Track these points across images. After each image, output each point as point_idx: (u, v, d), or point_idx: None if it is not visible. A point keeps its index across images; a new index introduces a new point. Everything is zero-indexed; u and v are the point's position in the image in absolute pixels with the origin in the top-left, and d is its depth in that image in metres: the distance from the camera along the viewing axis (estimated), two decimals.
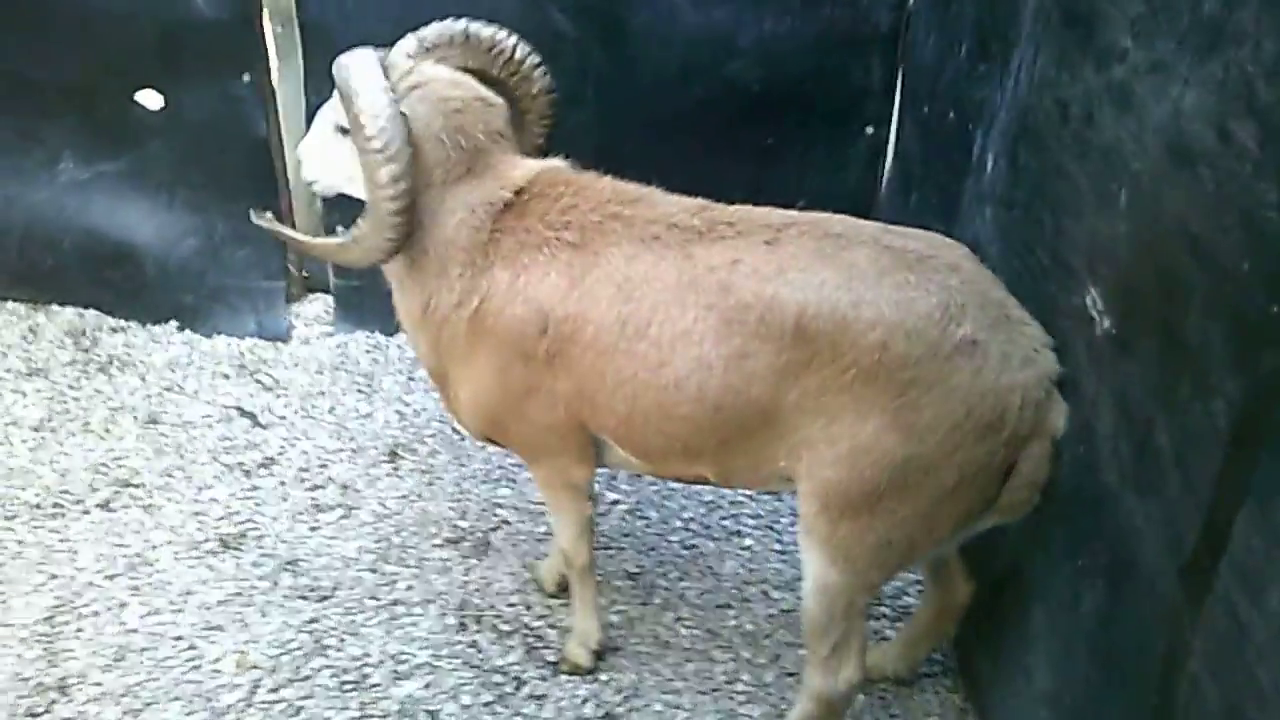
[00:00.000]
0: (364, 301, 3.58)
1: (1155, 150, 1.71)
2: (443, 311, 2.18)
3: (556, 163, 2.24)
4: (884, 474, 1.92)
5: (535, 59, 2.29)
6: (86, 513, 2.97)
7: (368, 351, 3.54)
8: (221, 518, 2.98)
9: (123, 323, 3.60)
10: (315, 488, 3.07)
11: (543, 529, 2.95)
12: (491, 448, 2.74)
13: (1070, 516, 2.02)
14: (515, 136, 2.25)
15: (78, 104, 3.42)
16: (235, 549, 2.89)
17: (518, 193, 2.14)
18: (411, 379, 3.44)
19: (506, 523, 2.99)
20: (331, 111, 2.24)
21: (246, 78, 3.36)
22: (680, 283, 2.01)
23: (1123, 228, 1.82)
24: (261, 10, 3.31)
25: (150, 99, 3.39)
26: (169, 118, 3.40)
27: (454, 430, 3.25)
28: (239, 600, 2.76)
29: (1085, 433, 1.93)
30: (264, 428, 3.26)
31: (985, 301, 1.93)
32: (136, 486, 3.05)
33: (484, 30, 2.22)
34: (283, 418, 3.29)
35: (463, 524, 2.98)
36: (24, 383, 3.36)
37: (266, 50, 3.38)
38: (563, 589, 2.73)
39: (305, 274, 3.70)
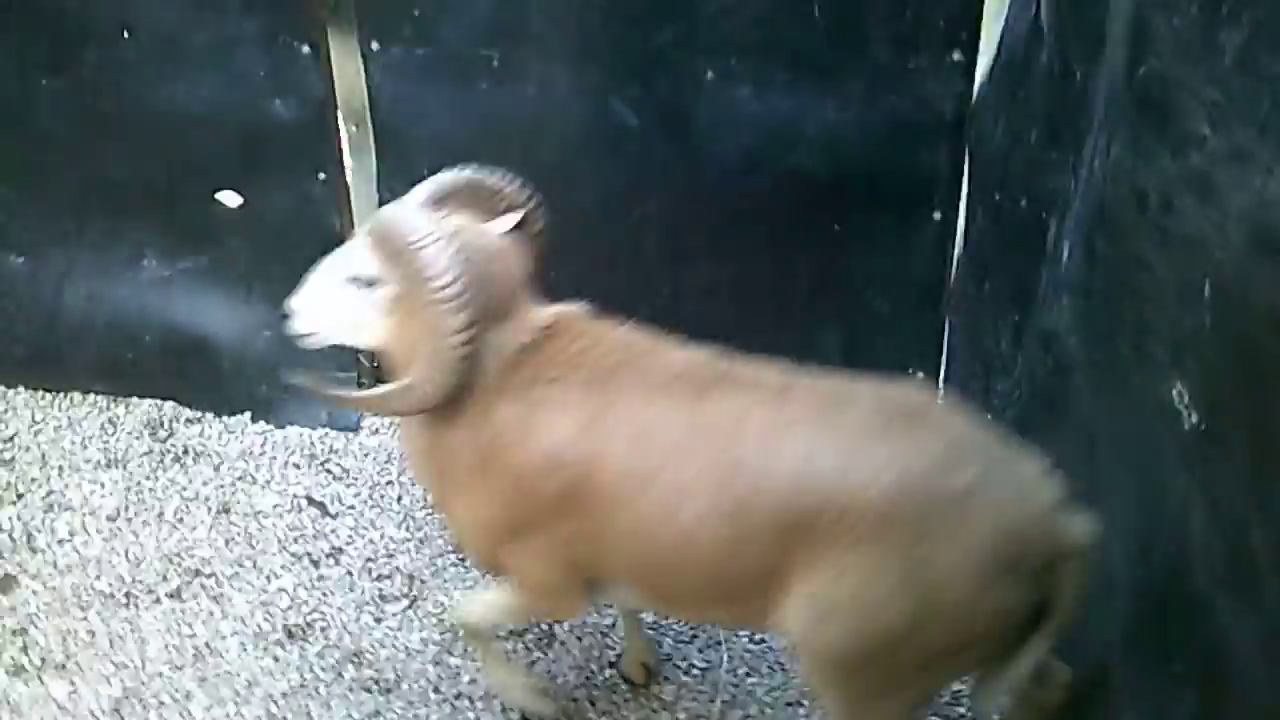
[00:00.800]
0: None
1: (1239, 239, 1.66)
2: (455, 443, 2.19)
3: (574, 307, 2.27)
4: (899, 629, 1.89)
5: (535, 199, 2.34)
6: (158, 601, 3.00)
7: None
8: (289, 608, 2.98)
9: (199, 414, 3.67)
10: (381, 578, 3.07)
11: (609, 622, 2.90)
12: None
13: (1161, 620, 1.93)
14: None
15: (160, 203, 3.55)
16: (301, 639, 2.89)
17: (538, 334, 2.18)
18: None
19: None
20: (342, 264, 2.26)
21: (321, 176, 3.45)
22: (688, 434, 2.02)
23: (1208, 318, 1.76)
24: (336, 113, 3.42)
25: (229, 198, 3.50)
26: (247, 215, 3.50)
27: None
28: (303, 691, 2.75)
29: (1175, 532, 1.85)
30: (333, 517, 3.27)
31: (978, 447, 1.93)
32: (207, 576, 3.08)
33: (489, 178, 2.30)
34: (351, 507, 3.31)
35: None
36: (101, 473, 3.43)
37: (341, 150, 3.48)
38: (645, 678, 2.71)
39: (376, 365, 3.74)
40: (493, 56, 3.21)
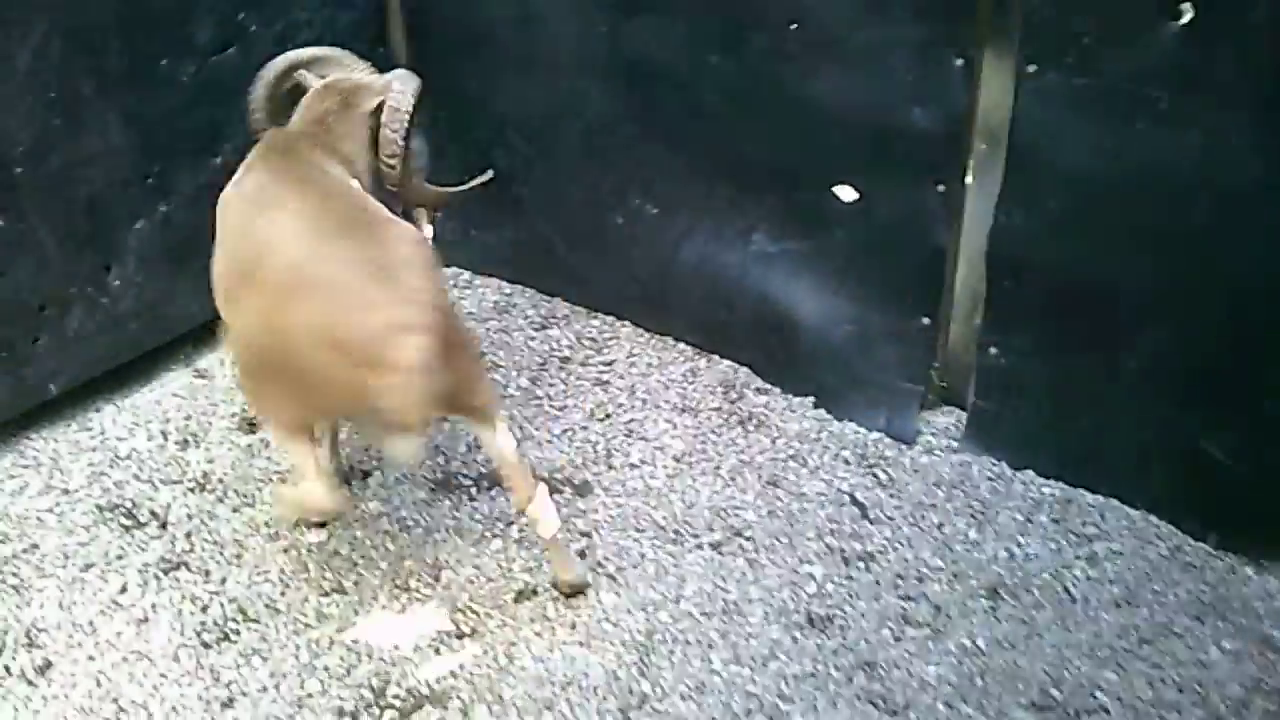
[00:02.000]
0: (997, 427, 3.49)
1: None
2: None
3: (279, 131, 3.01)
4: (258, 355, 2.66)
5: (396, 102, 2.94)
6: (700, 548, 3.23)
7: (989, 479, 3.43)
8: (814, 595, 3.06)
9: (768, 386, 3.88)
10: (908, 598, 3.04)
11: None
12: None
13: None
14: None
15: (782, 186, 3.76)
16: (820, 630, 2.96)
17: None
18: (1030, 520, 3.28)
19: (1104, 710, 2.71)
20: None
21: (940, 189, 3.44)
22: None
23: None
24: (973, 127, 3.38)
25: (845, 192, 3.61)
26: (858, 212, 3.59)
27: (1065, 588, 3.05)
28: (812, 681, 2.82)
29: None
30: (871, 522, 3.31)
31: (375, 262, 2.57)
32: (746, 539, 3.26)
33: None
34: (890, 519, 3.31)
35: (1055, 693, 2.75)
36: (676, 416, 3.77)
37: (967, 165, 3.44)
38: None
39: (944, 384, 3.70)
40: (1161, 98, 2.96)
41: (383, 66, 4.51)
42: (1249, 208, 2.94)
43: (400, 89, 2.96)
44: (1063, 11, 3.03)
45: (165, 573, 3.18)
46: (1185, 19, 2.85)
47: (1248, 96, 2.85)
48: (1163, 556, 3.16)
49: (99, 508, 3.39)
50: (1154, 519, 3.27)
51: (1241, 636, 2.90)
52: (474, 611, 3.04)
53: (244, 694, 2.81)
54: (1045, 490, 3.40)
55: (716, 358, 4.01)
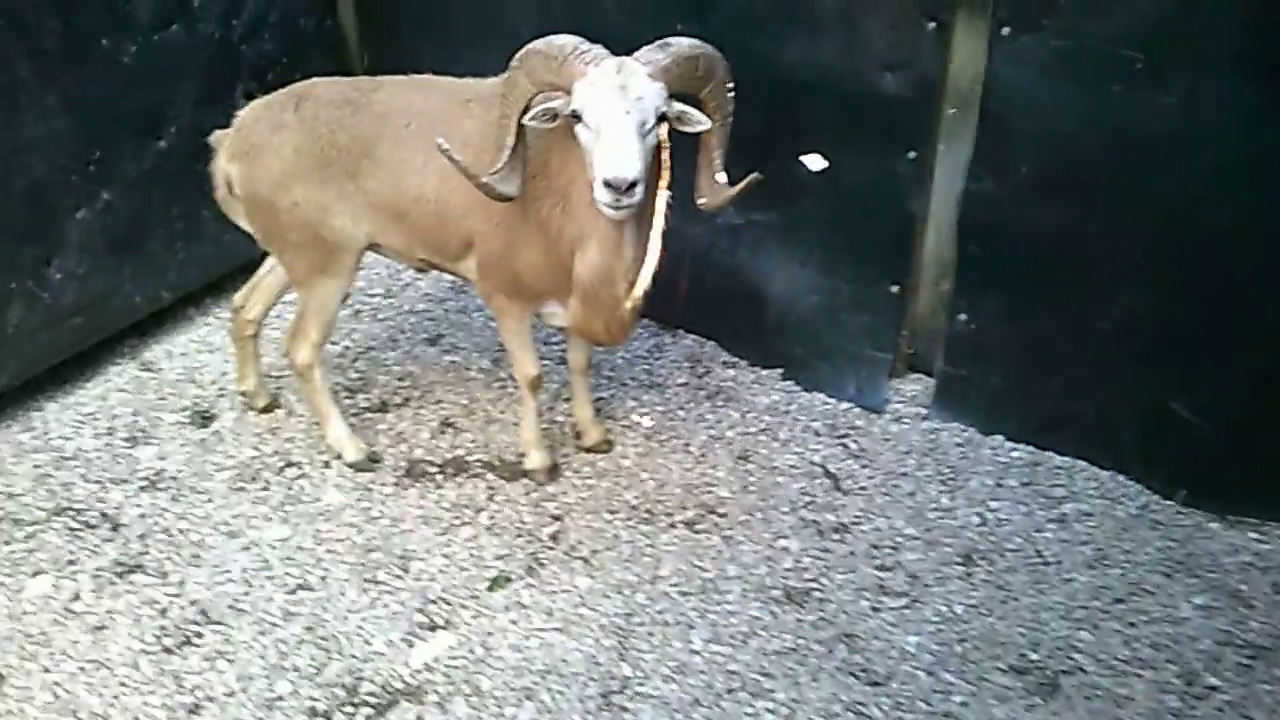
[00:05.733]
0: (966, 393, 3.49)
1: None
2: None
3: None
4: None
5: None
6: (673, 526, 3.19)
7: (959, 444, 3.43)
8: (791, 570, 3.04)
9: (736, 359, 3.84)
10: (884, 568, 3.03)
11: (1123, 691, 2.65)
12: None
13: None
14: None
15: (749, 155, 3.67)
16: (798, 604, 2.94)
17: None
18: (1000, 484, 3.28)
19: (1082, 670, 2.72)
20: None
21: (911, 155, 3.39)
22: None
23: None
24: (944, 93, 3.33)
25: (814, 161, 3.54)
26: (827, 181, 3.53)
27: (1037, 551, 3.06)
28: (794, 656, 2.80)
29: None
30: (844, 493, 3.29)
31: None
32: (720, 515, 3.22)
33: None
34: (863, 489, 3.30)
35: (1032, 655, 2.76)
36: (643, 393, 3.72)
37: (938, 132, 3.39)
38: None
39: (912, 352, 3.68)
40: (1137, 59, 2.93)
41: (331, 43, 4.45)
42: (1223, 168, 2.93)
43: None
44: None
45: (120, 576, 3.07)
46: None
47: (1224, 56, 2.84)
48: (1132, 515, 3.18)
49: (46, 511, 3.27)
50: (1122, 478, 3.29)
51: (1211, 592, 2.93)
52: (447, 602, 2.98)
53: (210, 699, 2.72)
54: (1014, 454, 3.40)
55: (682, 332, 3.96)
